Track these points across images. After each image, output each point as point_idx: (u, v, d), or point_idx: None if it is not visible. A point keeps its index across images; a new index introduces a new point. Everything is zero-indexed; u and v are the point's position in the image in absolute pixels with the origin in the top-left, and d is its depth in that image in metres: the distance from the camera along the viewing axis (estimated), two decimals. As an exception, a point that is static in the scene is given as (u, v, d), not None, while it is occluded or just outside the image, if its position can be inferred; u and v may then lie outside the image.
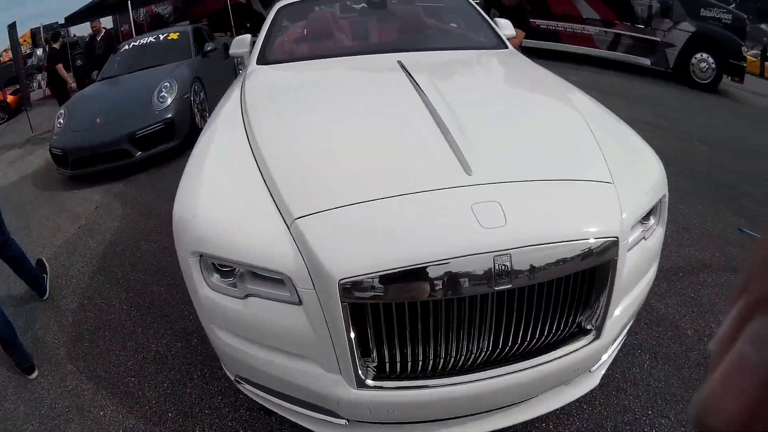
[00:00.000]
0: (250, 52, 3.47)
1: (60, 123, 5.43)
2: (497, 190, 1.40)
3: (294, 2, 3.60)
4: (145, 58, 6.58)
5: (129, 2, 10.52)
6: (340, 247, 1.29)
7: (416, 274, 1.23)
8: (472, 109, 2.01)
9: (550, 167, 1.56)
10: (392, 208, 1.36)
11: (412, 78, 2.27)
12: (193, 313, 1.82)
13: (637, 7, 9.15)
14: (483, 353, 1.37)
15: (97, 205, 4.49)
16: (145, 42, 6.90)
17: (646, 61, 9.13)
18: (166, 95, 5.38)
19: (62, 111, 5.63)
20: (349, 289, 1.23)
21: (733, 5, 10.02)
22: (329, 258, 1.26)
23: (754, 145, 5.08)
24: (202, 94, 6.12)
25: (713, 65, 8.45)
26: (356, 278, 1.23)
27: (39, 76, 13.84)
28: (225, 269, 1.49)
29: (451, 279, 1.24)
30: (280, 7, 3.50)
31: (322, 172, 1.56)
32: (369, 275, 1.22)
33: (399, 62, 2.60)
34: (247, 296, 1.44)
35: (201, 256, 1.47)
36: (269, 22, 3.33)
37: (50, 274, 3.24)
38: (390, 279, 1.23)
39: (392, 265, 1.23)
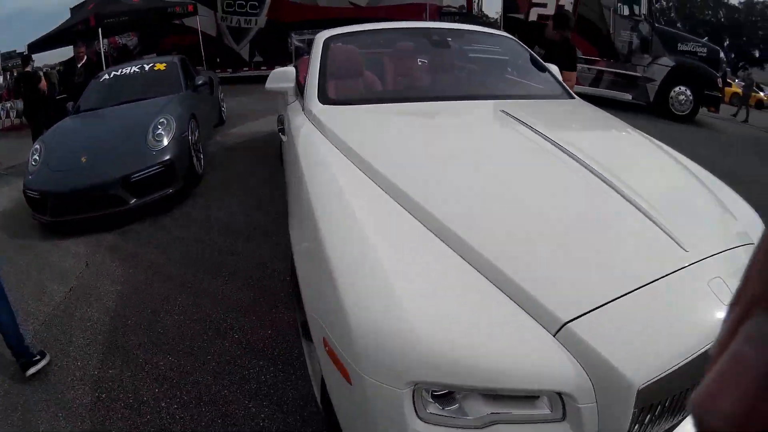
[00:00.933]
0: (297, 88, 3.08)
1: (35, 160, 4.71)
2: (716, 263, 1.33)
3: (341, 34, 3.22)
4: (131, 89, 5.99)
5: (99, 30, 9.80)
6: (631, 348, 1.10)
7: (699, 360, 1.11)
8: (630, 173, 1.72)
9: (725, 233, 1.55)
10: (655, 295, 1.21)
11: (541, 133, 1.95)
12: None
13: (618, 44, 9.78)
14: None
15: (87, 262, 3.80)
16: (128, 72, 6.29)
17: (627, 96, 9.56)
18: (162, 133, 4.80)
19: (37, 146, 4.90)
20: (645, 392, 1.07)
21: (706, 38, 10.93)
22: (623, 362, 1.06)
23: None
24: (197, 132, 5.55)
25: (691, 97, 8.90)
26: (654, 380, 1.08)
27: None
28: (438, 392, 1.10)
29: None
30: (327, 39, 3.11)
31: (554, 259, 1.26)
32: (665, 374, 1.09)
33: (504, 111, 2.28)
34: (490, 424, 1.06)
35: (416, 384, 1.04)
36: (320, 55, 2.91)
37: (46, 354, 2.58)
38: (678, 374, 1.11)
39: (679, 359, 1.11)
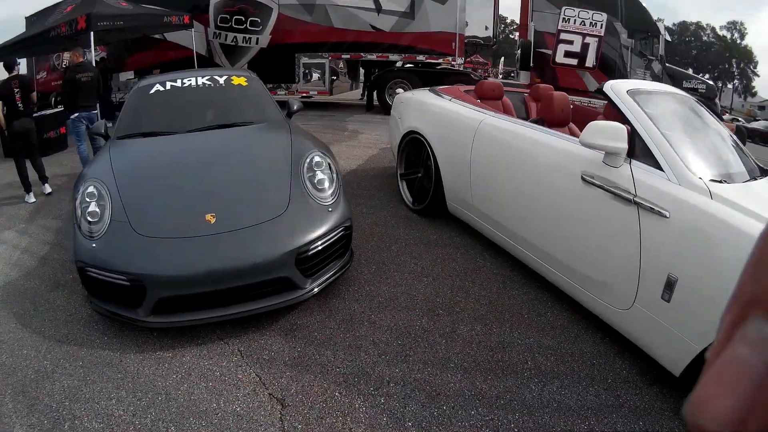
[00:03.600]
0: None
1: (96, 214, 2.82)
2: None
3: None
4: (211, 109, 4.23)
5: (91, 34, 7.65)
6: None
7: None
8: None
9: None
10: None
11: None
12: None
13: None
14: None
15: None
16: (193, 84, 4.40)
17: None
18: (324, 178, 3.12)
19: (92, 189, 2.95)
20: None
21: (707, 76, 11.86)
22: None
23: None
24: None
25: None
26: None
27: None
28: None
29: None
30: None
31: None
32: None
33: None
34: None
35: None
36: None
37: None
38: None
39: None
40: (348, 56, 11.20)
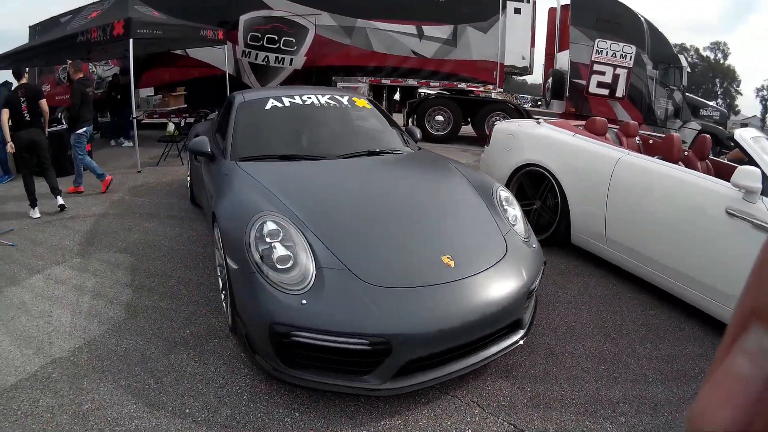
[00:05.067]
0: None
1: (286, 259, 2.23)
2: None
3: None
4: (348, 134, 3.86)
5: (131, 42, 6.99)
6: None
7: None
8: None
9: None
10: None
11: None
12: None
13: (657, 110, 11.07)
14: None
15: None
16: (317, 102, 3.89)
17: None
18: (517, 214, 2.96)
19: (273, 224, 2.35)
20: None
21: (720, 103, 13.10)
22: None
23: None
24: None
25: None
26: None
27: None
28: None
29: None
30: None
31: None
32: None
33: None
34: None
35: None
36: None
37: None
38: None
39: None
40: (388, 81, 10.82)
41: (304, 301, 2.08)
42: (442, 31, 10.58)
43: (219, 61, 10.77)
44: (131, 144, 8.45)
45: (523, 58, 11.18)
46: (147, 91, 10.94)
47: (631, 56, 10.78)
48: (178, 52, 10.84)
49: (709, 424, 0.26)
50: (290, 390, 2.28)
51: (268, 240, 2.28)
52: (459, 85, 10.80)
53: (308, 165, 3.22)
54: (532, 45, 11.30)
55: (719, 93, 50.14)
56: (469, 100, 10.81)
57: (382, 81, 10.90)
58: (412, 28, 10.53)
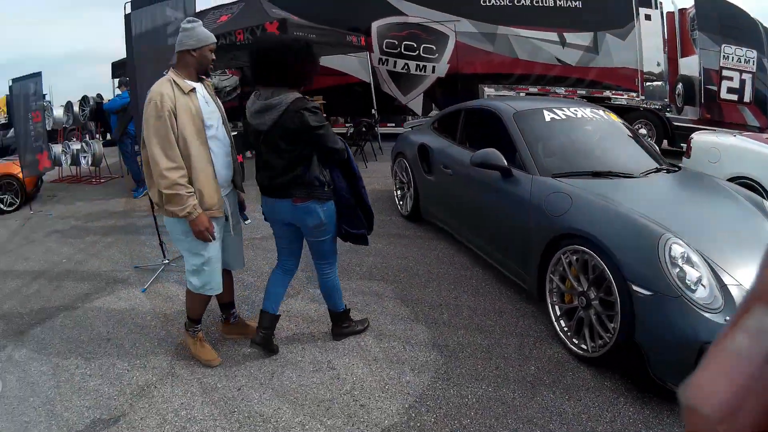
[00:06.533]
0: None
1: (695, 281, 2.28)
2: None
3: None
4: (626, 150, 3.82)
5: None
6: None
7: None
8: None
9: None
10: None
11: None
12: None
13: None
14: None
15: None
16: (587, 116, 3.88)
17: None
18: None
19: (679, 248, 2.36)
20: None
21: None
22: None
23: None
24: None
25: None
26: None
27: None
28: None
29: None
30: None
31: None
32: None
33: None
34: None
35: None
36: None
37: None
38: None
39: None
40: (535, 89, 10.68)
41: (727, 318, 2.14)
42: (583, 38, 10.44)
43: (353, 68, 10.95)
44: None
45: (658, 64, 10.90)
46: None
47: (753, 60, 10.65)
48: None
49: (706, 396, 0.28)
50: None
51: (680, 264, 2.28)
52: (604, 93, 10.51)
53: (626, 182, 3.19)
54: (665, 51, 10.97)
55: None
56: (613, 108, 10.54)
57: (530, 89, 10.76)
58: (554, 35, 10.41)
